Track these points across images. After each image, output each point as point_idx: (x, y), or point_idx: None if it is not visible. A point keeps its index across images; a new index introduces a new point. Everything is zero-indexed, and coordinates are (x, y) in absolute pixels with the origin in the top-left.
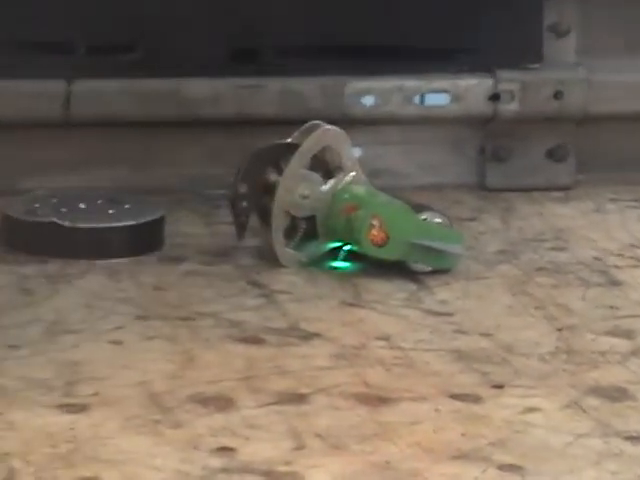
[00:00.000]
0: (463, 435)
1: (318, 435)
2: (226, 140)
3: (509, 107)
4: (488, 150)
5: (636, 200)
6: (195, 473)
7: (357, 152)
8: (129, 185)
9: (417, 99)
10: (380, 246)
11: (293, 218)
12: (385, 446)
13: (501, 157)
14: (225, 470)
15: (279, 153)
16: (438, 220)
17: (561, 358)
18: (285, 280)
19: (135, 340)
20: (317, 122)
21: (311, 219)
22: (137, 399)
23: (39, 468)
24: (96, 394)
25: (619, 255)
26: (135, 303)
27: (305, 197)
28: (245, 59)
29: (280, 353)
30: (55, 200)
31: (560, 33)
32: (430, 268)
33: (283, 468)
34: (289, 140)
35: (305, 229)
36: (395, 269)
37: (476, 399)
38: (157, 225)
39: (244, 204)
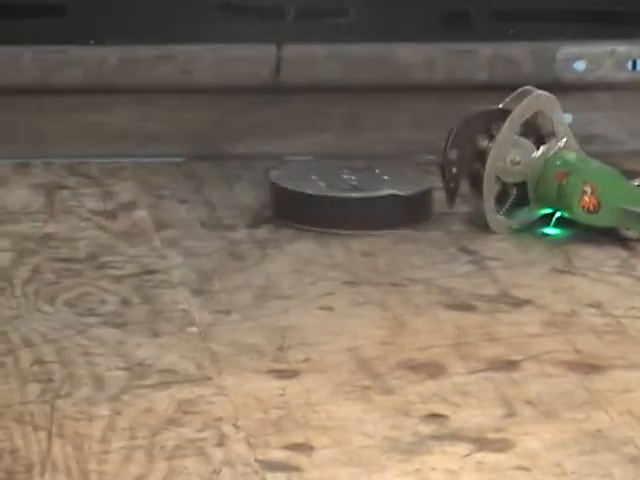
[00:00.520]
0: None
1: (529, 402)
2: (436, 106)
3: None
4: None
5: None
6: (405, 439)
7: (568, 118)
8: (338, 150)
9: (629, 64)
10: (592, 213)
11: (504, 184)
12: (597, 414)
13: None
14: (435, 437)
15: (490, 119)
16: None
17: None
18: (495, 246)
19: (345, 306)
20: (529, 88)
21: (522, 185)
22: (347, 365)
23: (250, 433)
24: (306, 360)
25: None
26: (344, 269)
27: (516, 163)
28: (456, 24)
29: (490, 320)
30: (316, 171)
31: None
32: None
33: (494, 435)
34: (500, 106)
35: (516, 195)
36: (606, 236)
37: None
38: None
39: (454, 170)
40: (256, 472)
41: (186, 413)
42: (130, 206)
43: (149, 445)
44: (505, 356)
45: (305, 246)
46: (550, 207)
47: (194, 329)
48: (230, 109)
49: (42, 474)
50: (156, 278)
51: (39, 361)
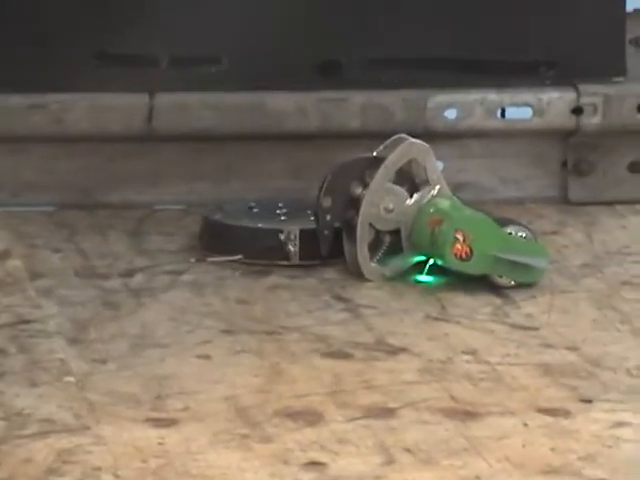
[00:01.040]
0: (553, 450)
1: (407, 450)
2: (310, 153)
3: (592, 120)
4: (570, 163)
5: None
6: None
7: (439, 166)
8: (212, 199)
9: (499, 112)
10: (464, 260)
11: (378, 232)
12: (474, 461)
13: (584, 171)
14: None
15: (364, 166)
16: (522, 234)
17: None
18: (369, 294)
19: (222, 354)
20: (402, 135)
21: (396, 233)
22: (225, 414)
23: None
24: (185, 409)
25: None
26: (220, 317)
27: (390, 211)
28: (328, 72)
29: (367, 367)
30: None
31: None
32: (514, 283)
33: None
34: (375, 153)
35: (389, 243)
36: (480, 283)
37: (565, 414)
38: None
39: (328, 217)
40: None
41: (65, 463)
42: (3, 255)
43: None
44: (382, 404)
45: (180, 294)
46: (423, 254)
47: (71, 378)
48: (103, 158)
49: None
50: (32, 327)
51: None
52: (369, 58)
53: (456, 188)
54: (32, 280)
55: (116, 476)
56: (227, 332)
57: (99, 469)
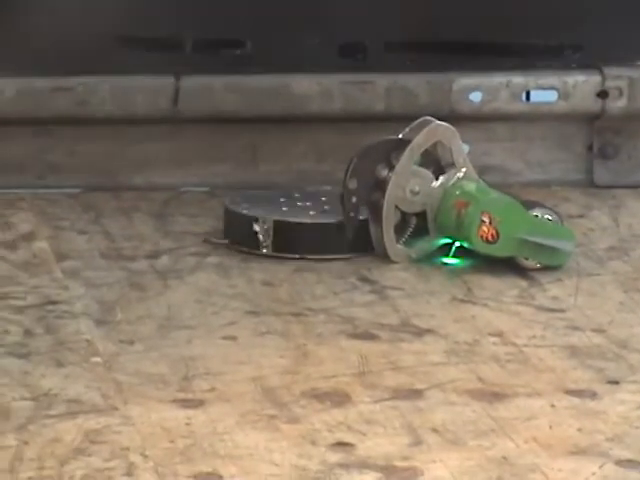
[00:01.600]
0: (579, 430)
1: (434, 430)
2: (334, 136)
3: (617, 104)
4: (596, 147)
5: None
6: (313, 468)
7: (466, 148)
8: (236, 182)
9: (523, 96)
10: (490, 243)
11: (403, 214)
12: (502, 441)
13: (609, 154)
14: (343, 465)
15: (390, 149)
16: (549, 217)
17: None
18: (396, 276)
19: (248, 335)
20: (428, 118)
21: (421, 215)
22: (252, 394)
23: (158, 463)
24: (211, 389)
25: None
26: (246, 299)
27: (416, 193)
28: (353, 55)
29: (393, 349)
30: (283, 199)
31: None
32: (540, 265)
33: (401, 463)
34: (400, 136)
35: (415, 225)
36: (506, 265)
37: (592, 395)
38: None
39: (354, 200)
40: None
41: (93, 443)
42: (30, 237)
43: (57, 475)
44: (409, 385)
45: (206, 276)
46: (449, 237)
47: (98, 359)
48: (128, 140)
49: None
50: (58, 308)
51: None
52: (394, 41)
53: (481, 171)
54: (58, 262)
55: (144, 456)
56: (253, 313)
57: (127, 449)
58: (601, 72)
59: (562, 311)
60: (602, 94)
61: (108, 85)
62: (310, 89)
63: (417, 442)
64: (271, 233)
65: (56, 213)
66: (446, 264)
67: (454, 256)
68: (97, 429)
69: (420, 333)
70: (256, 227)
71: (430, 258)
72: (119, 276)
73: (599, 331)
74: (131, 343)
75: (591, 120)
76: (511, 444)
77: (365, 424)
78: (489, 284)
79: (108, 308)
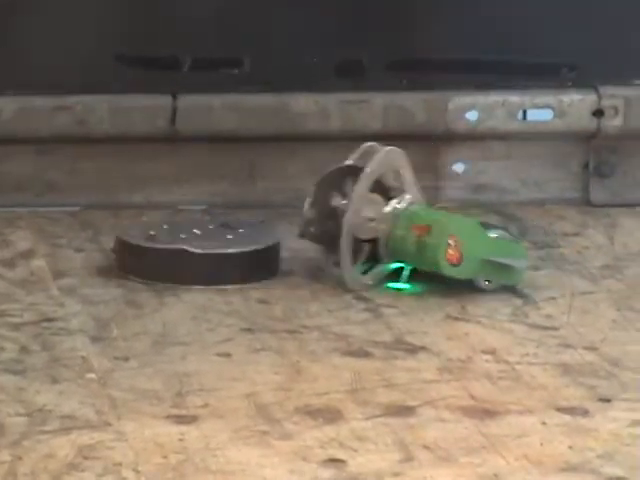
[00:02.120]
0: (571, 448)
1: (426, 447)
2: (331, 155)
3: (613, 122)
4: (592, 165)
5: None
6: None
7: (460, 167)
8: (234, 200)
9: (520, 114)
10: (455, 265)
11: (357, 241)
12: (493, 459)
13: (605, 173)
14: None
15: (342, 176)
16: (505, 236)
17: None
18: (390, 294)
19: (242, 352)
20: (373, 144)
21: (373, 241)
22: (245, 410)
23: (150, 478)
24: (205, 405)
25: None
26: (241, 316)
27: (370, 219)
28: (350, 74)
29: (386, 366)
30: (167, 227)
31: None
32: (496, 286)
33: (392, 479)
34: (349, 163)
35: (369, 252)
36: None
37: (583, 412)
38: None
39: (312, 230)
40: None
41: (86, 458)
42: (28, 255)
43: None
44: (401, 402)
45: (202, 294)
46: (405, 262)
47: (93, 375)
48: (126, 159)
49: None
50: (55, 325)
51: None
52: (390, 60)
53: (477, 190)
54: (55, 279)
55: (137, 472)
56: (248, 330)
57: (120, 465)
58: (597, 91)
59: (555, 329)
60: (598, 113)
61: (107, 104)
62: (308, 108)
63: (408, 458)
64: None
65: (54, 231)
66: (398, 289)
67: (405, 281)
68: (90, 445)
69: (414, 350)
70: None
71: (382, 284)
72: (115, 293)
73: (591, 349)
74: (126, 359)
75: (587, 139)
76: (502, 461)
77: (357, 440)
78: (483, 302)
79: (104, 325)
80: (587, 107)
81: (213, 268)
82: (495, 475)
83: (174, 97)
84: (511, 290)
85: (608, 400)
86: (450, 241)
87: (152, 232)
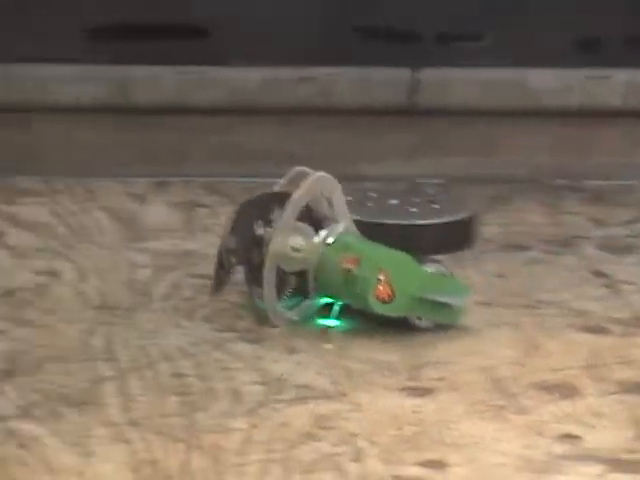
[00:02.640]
0: None
1: None
2: (571, 130)
3: None
4: None
5: None
6: (539, 459)
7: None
8: (472, 174)
9: None
10: (386, 302)
11: (282, 273)
12: None
13: None
14: (569, 457)
15: (268, 204)
16: (440, 270)
17: None
18: (629, 270)
19: (479, 326)
20: (304, 169)
21: (300, 273)
22: (481, 384)
23: (385, 449)
24: (441, 379)
25: None
26: (478, 289)
27: (297, 250)
28: (591, 49)
29: (623, 343)
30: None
31: None
32: (432, 324)
33: (627, 456)
34: (276, 189)
35: (295, 284)
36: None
37: None
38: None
39: (233, 260)
40: None
41: (322, 428)
42: None
43: (285, 459)
44: (638, 379)
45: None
46: (332, 296)
47: (330, 346)
48: (367, 131)
49: None
50: None
51: (178, 374)
52: (632, 36)
53: None
54: None
55: (372, 442)
56: (485, 304)
57: (355, 435)
58: None
59: None
60: None
61: (348, 76)
62: (547, 83)
63: None
64: None
65: None
66: (327, 326)
67: (336, 317)
68: (326, 415)
69: None
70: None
71: (310, 319)
72: None
73: None
74: (363, 331)
75: None
76: None
77: (592, 417)
78: None
79: None
80: None
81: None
82: None
83: (414, 70)
84: None
85: None
86: (380, 276)
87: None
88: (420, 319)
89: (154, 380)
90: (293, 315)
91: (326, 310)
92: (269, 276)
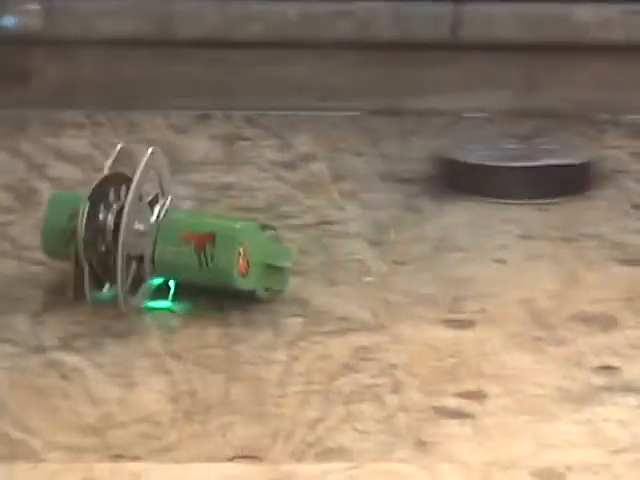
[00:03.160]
0: None
1: None
2: (613, 65)
3: None
4: None
5: None
6: (576, 390)
7: None
8: (515, 108)
9: None
10: (245, 276)
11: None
12: None
13: None
14: (607, 388)
15: (104, 188)
16: (274, 237)
17: None
18: None
19: (519, 259)
20: (125, 146)
21: (140, 257)
22: (520, 317)
23: (424, 381)
24: (480, 311)
25: None
26: (519, 223)
27: (141, 233)
28: None
29: None
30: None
31: None
32: (270, 294)
33: None
34: (106, 172)
35: (135, 268)
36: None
37: None
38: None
39: (89, 252)
40: (431, 418)
41: (362, 360)
42: (308, 158)
43: (325, 390)
44: None
45: (480, 201)
46: (169, 277)
47: (370, 279)
48: (408, 65)
49: (220, 415)
50: (333, 229)
51: (219, 308)
52: None
53: None
54: (335, 183)
55: (411, 374)
56: (524, 237)
57: (395, 366)
58: None
59: None
60: None
61: (389, 10)
62: (591, 17)
63: None
64: None
65: (335, 135)
66: (158, 308)
67: (172, 298)
68: (366, 346)
69: None
70: None
71: (147, 302)
72: (395, 198)
73: None
74: (403, 264)
75: None
76: None
77: (631, 348)
78: None
79: (382, 229)
80: None
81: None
82: None
83: (457, 4)
84: None
85: None
86: (240, 250)
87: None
88: (265, 290)
89: (195, 312)
90: (137, 301)
91: (161, 292)
92: (123, 266)
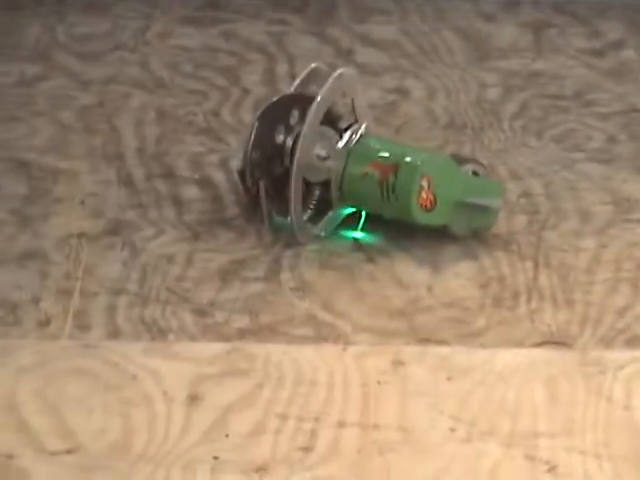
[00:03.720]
0: None
1: None
2: None
3: None
4: None
5: None
6: None
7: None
8: None
9: None
10: (429, 211)
11: (307, 184)
12: None
13: None
14: None
15: (287, 108)
16: (478, 171)
17: None
18: None
19: None
20: (319, 66)
21: (324, 184)
22: None
23: None
24: None
25: None
26: None
27: (323, 159)
28: None
29: None
30: None
31: None
32: (470, 232)
33: None
34: (292, 90)
35: (319, 196)
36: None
37: None
38: None
39: (257, 174)
40: None
41: None
42: (617, 45)
43: (634, 278)
44: None
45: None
46: (358, 207)
47: None
48: None
49: (528, 301)
50: None
51: (526, 194)
52: None
53: None
54: None
55: None
56: None
57: None
58: None
59: None
60: None
61: None
62: None
63: None
64: None
65: None
66: (355, 239)
67: (362, 229)
68: None
69: None
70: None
71: (336, 233)
72: None
73: None
74: None
75: None
76: None
77: None
78: None
79: None
80: None
81: None
82: None
83: None
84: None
85: None
86: (423, 183)
87: None
88: (460, 226)
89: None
90: (319, 230)
91: (351, 221)
92: (296, 189)
